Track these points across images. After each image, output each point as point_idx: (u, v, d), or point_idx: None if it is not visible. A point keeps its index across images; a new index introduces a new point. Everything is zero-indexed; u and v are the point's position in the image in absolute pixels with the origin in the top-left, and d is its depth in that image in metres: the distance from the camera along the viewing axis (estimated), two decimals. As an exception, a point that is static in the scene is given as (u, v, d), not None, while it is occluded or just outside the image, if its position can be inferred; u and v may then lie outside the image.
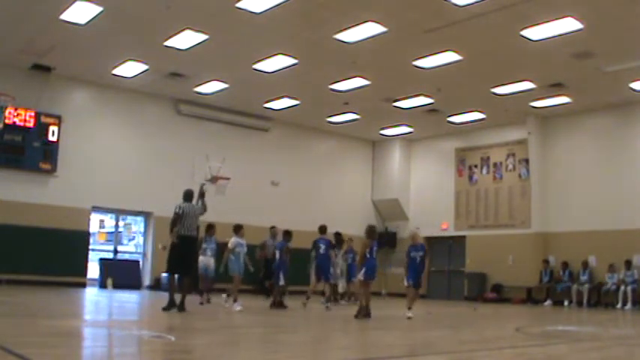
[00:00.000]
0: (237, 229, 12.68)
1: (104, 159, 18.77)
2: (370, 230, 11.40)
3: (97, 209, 19.27)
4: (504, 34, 13.95)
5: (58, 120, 18.02)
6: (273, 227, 16.26)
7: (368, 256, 11.06)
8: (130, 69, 17.36)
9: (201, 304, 12.85)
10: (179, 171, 18.92)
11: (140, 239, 20.81)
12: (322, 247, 13.99)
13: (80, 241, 18.25)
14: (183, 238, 10.66)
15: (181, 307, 10.43)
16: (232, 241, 12.46)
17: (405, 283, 11.24)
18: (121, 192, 18.86)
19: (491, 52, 15.06)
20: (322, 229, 14.40)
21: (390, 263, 24.61)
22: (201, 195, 11.30)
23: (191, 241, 10.83)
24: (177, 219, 10.65)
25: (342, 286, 16.41)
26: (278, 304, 12.86)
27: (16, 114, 17.29)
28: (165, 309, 10.43)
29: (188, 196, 11.10)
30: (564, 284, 19.07)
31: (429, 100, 19.07)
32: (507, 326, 10.43)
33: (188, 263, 10.86)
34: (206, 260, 13.29)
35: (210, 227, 13.48)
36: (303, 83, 18.01)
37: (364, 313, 10.89)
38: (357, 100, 19.31)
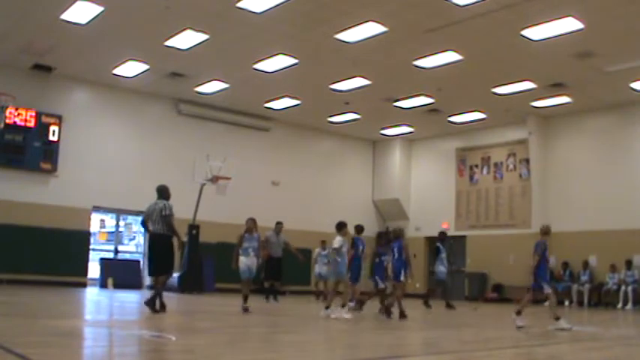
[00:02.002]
0: (341, 227, 11.29)
1: (105, 159, 18.76)
2: (392, 231, 11.78)
3: (97, 209, 19.26)
4: (505, 34, 13.94)
5: (59, 120, 18.02)
6: (279, 223, 15.92)
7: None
8: (130, 69, 17.36)
9: (245, 310, 11.14)
10: (180, 171, 18.89)
11: (141, 239, 20.80)
12: (361, 247, 13.64)
13: (81, 240, 18.25)
14: (153, 235, 10.23)
15: (153, 305, 9.87)
16: (338, 240, 11.14)
17: (548, 290, 10.12)
18: (121, 192, 18.85)
19: (491, 51, 15.05)
20: (360, 229, 13.42)
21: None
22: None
23: (161, 239, 10.15)
24: (145, 218, 10.39)
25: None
26: (386, 310, 11.58)
27: (16, 114, 17.29)
28: (158, 312, 10.00)
29: (159, 192, 10.52)
30: (565, 284, 19.06)
31: (429, 100, 19.06)
32: (508, 326, 10.42)
33: (163, 262, 10.14)
34: (249, 261, 11.37)
35: (250, 221, 11.68)
36: (303, 83, 18.00)
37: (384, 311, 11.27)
38: (357, 100, 19.29)
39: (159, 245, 10.20)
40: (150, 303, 9.88)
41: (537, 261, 10.18)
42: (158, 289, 10.10)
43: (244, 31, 14.30)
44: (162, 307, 10.09)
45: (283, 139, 22.46)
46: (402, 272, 11.30)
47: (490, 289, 21.07)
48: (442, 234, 16.10)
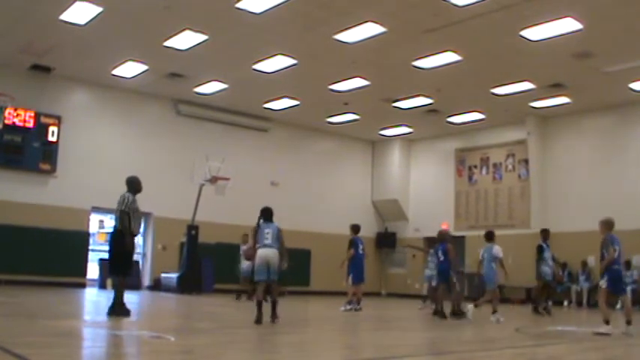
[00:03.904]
0: (492, 235, 11.62)
1: (104, 159, 18.73)
2: (437, 234, 12.47)
3: (96, 209, 19.24)
4: (504, 35, 13.95)
5: (58, 120, 18.00)
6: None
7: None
8: (129, 69, 17.35)
9: (257, 320, 8.93)
10: (179, 171, 18.91)
11: (140, 239, 20.78)
12: (360, 246, 13.50)
13: (80, 241, 18.22)
14: (112, 231, 9.73)
15: (113, 309, 9.20)
16: (498, 248, 11.25)
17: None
18: (120, 192, 18.72)
19: (490, 52, 15.06)
20: (357, 229, 13.69)
21: (392, 263, 24.68)
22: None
23: (115, 236, 9.66)
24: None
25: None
26: (456, 313, 11.76)
27: (15, 114, 17.28)
28: (115, 314, 9.17)
29: (126, 184, 10.28)
30: (564, 284, 19.06)
31: (428, 101, 19.07)
32: (507, 326, 10.43)
33: (117, 260, 9.45)
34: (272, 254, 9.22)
35: (267, 212, 9.63)
36: (302, 83, 18.00)
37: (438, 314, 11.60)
38: (356, 101, 19.30)
39: (114, 242, 9.61)
40: (115, 310, 9.14)
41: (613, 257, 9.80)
42: (118, 291, 9.30)
43: (243, 31, 14.30)
44: (123, 310, 9.24)
45: (282, 139, 22.46)
46: (450, 274, 11.91)
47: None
48: (545, 232, 14.39)
